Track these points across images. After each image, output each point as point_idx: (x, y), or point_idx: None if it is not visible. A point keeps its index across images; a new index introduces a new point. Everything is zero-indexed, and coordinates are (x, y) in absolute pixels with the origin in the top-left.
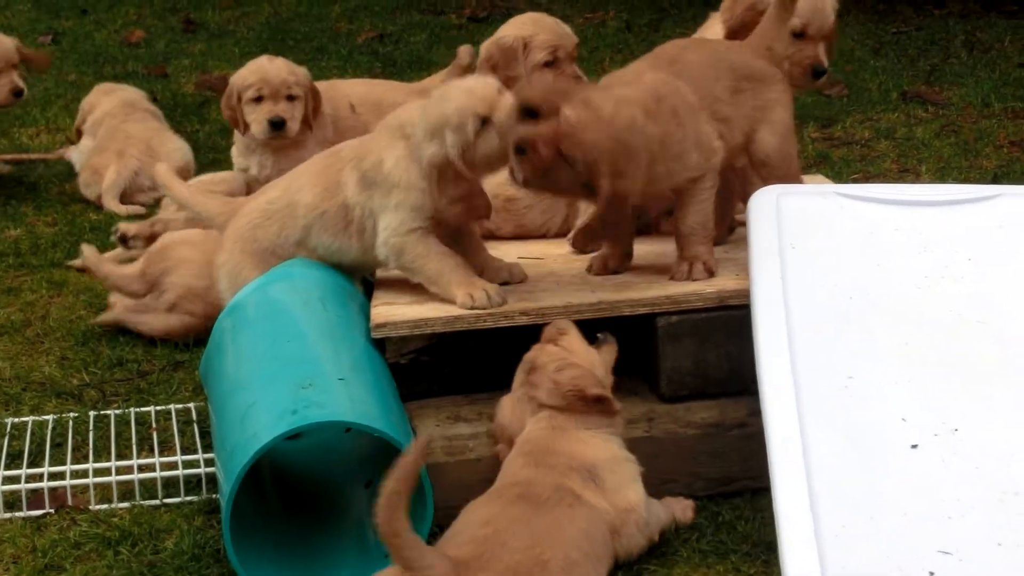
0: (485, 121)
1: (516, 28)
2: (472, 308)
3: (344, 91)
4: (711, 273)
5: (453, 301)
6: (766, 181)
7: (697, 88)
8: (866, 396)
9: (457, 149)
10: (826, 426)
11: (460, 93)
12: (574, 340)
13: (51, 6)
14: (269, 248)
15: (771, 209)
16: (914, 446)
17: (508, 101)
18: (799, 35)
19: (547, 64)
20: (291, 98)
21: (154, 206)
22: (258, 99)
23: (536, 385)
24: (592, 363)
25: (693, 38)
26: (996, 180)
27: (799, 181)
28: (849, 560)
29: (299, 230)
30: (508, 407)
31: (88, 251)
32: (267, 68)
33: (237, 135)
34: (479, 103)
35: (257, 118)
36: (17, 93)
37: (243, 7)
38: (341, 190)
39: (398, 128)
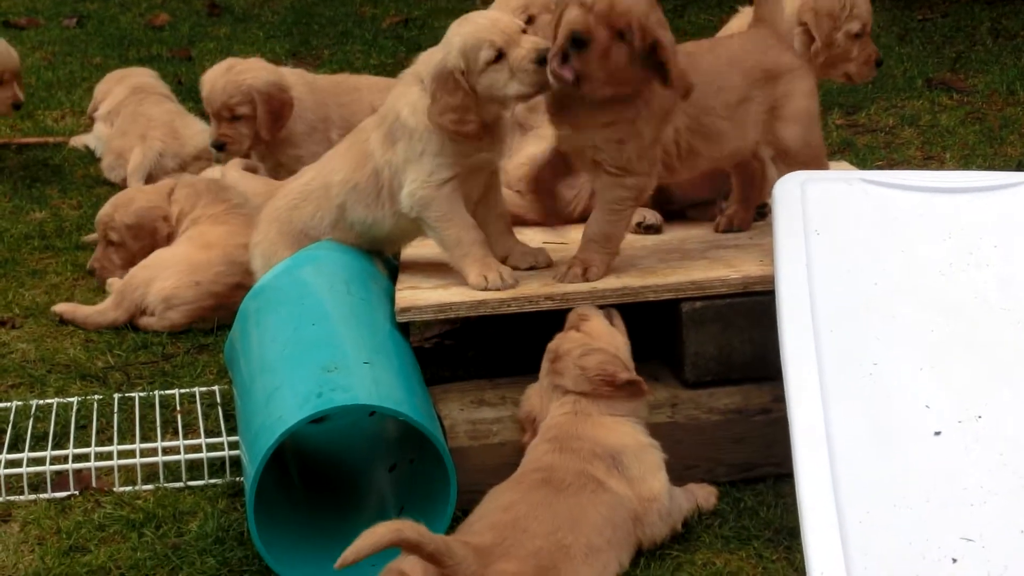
0: (500, 55)
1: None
2: (485, 289)
3: (367, 100)
4: (587, 280)
5: (464, 275)
6: (790, 168)
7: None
8: (890, 383)
9: (460, 66)
10: (850, 413)
11: (484, 20)
12: (597, 324)
13: None
14: (304, 230)
15: (796, 195)
16: (937, 433)
17: (529, 43)
18: (859, 35)
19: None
20: (236, 117)
21: None
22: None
23: (561, 373)
24: (617, 347)
25: (717, 39)
26: (1021, 168)
27: (825, 167)
28: (872, 547)
29: (334, 210)
30: (535, 396)
31: (61, 308)
32: (212, 86)
33: None
34: (498, 35)
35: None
36: (16, 105)
37: None
38: (370, 158)
39: (414, 75)
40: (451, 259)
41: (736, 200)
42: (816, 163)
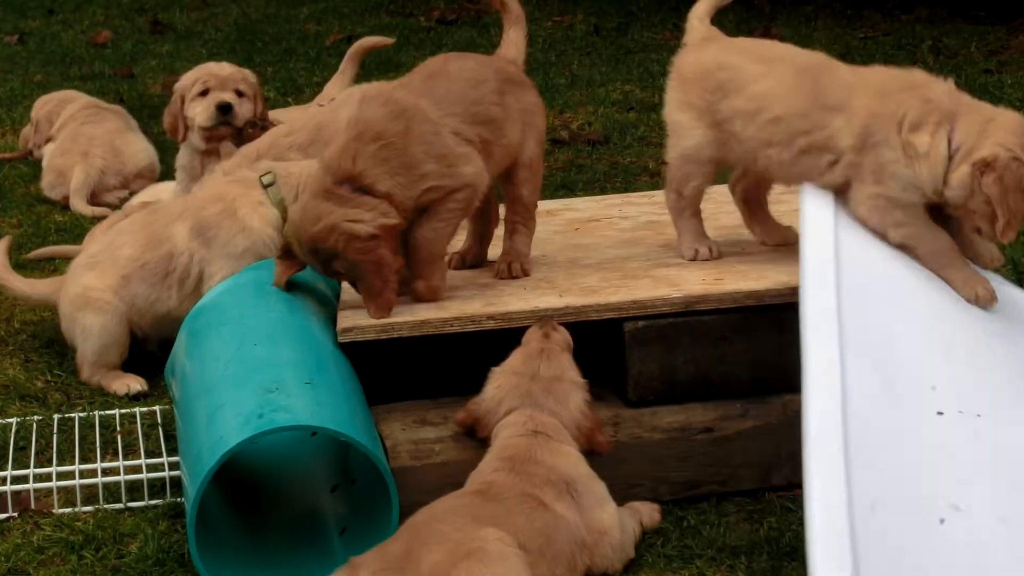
0: None
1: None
2: None
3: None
4: (524, 270)
5: None
6: (523, 184)
7: (451, 96)
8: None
9: None
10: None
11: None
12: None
13: (17, 6)
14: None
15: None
16: (940, 413)
17: None
18: None
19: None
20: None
21: (118, 207)
22: None
23: (556, 396)
24: None
25: (460, 53)
26: None
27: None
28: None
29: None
30: (505, 392)
31: None
32: None
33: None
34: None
35: None
36: None
37: (211, 8)
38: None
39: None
40: None
41: (472, 235)
42: (539, 178)
